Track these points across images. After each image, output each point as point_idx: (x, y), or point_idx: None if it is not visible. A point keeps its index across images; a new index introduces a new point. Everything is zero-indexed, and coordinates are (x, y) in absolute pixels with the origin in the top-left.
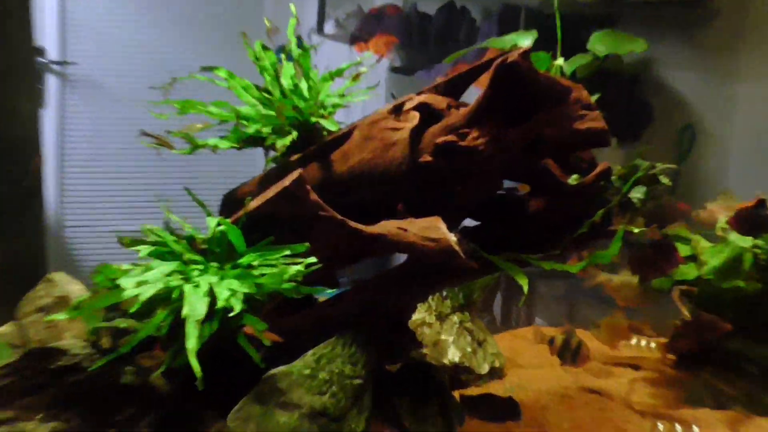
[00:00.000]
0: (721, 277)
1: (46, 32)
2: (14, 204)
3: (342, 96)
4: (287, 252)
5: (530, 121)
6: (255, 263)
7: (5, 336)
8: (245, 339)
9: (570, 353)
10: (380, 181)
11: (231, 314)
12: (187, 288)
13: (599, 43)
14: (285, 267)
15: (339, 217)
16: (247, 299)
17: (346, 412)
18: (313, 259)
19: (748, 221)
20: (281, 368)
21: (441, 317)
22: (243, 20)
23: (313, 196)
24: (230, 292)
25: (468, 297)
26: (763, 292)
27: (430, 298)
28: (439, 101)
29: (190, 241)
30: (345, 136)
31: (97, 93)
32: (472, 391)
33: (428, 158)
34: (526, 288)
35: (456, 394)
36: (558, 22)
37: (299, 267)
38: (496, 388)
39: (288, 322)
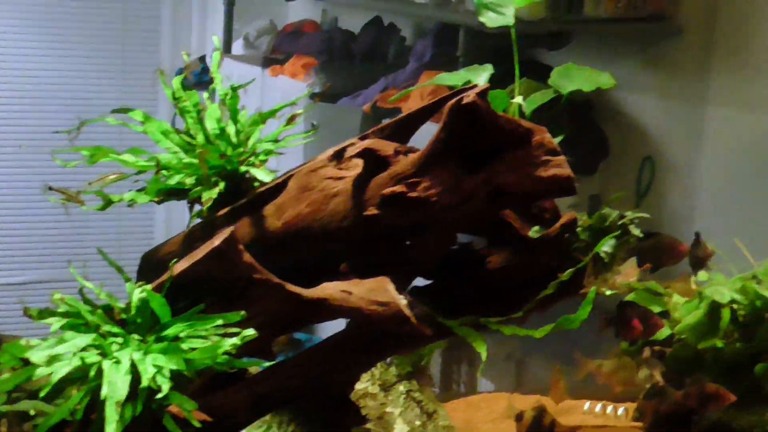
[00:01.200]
0: (697, 336)
1: None
2: None
3: (276, 141)
4: (220, 321)
5: (489, 168)
6: (183, 335)
7: None
8: (171, 420)
9: None
10: (321, 238)
11: (159, 395)
12: (106, 365)
13: (563, 79)
14: (219, 340)
15: (275, 279)
16: (175, 376)
17: None
18: (250, 332)
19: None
20: None
21: (385, 387)
22: (139, 51)
23: (247, 257)
24: (156, 368)
25: (416, 364)
26: (745, 353)
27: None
28: (386, 146)
29: (107, 310)
30: (279, 187)
31: None
32: None
33: (374, 211)
34: (484, 356)
35: None
36: (516, 56)
37: (235, 340)
38: None
39: (218, 398)
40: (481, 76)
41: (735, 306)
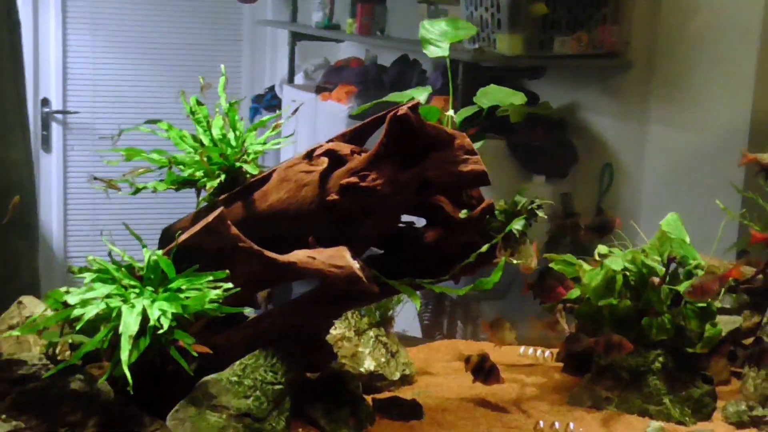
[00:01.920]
0: (598, 296)
1: (51, 85)
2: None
3: (263, 144)
4: (210, 278)
5: (420, 164)
6: (183, 287)
7: None
8: (176, 351)
9: (483, 374)
10: (295, 217)
11: (160, 331)
12: (124, 308)
13: (483, 97)
14: (207, 290)
15: (256, 247)
16: (177, 318)
17: (267, 413)
18: (230, 285)
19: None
20: (212, 376)
21: (359, 332)
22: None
23: (233, 230)
24: (160, 311)
25: (383, 314)
26: (633, 309)
27: (350, 315)
28: (344, 148)
29: (129, 269)
30: (265, 178)
31: (94, 138)
32: (384, 395)
33: (335, 197)
34: (418, 306)
35: (369, 398)
36: (450, 78)
37: (219, 291)
38: (405, 392)
39: (219, 339)
40: (422, 94)
41: (627, 273)
